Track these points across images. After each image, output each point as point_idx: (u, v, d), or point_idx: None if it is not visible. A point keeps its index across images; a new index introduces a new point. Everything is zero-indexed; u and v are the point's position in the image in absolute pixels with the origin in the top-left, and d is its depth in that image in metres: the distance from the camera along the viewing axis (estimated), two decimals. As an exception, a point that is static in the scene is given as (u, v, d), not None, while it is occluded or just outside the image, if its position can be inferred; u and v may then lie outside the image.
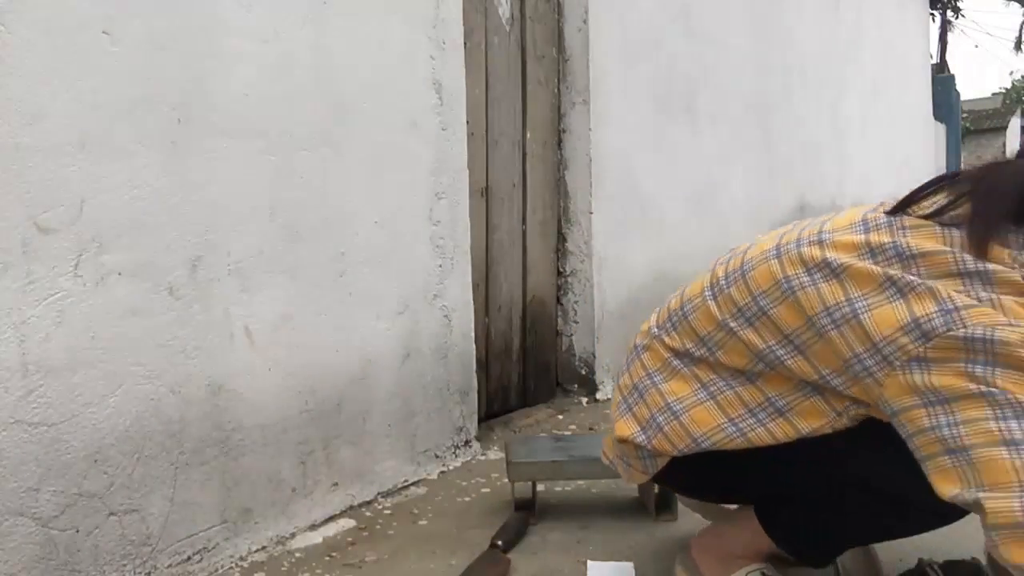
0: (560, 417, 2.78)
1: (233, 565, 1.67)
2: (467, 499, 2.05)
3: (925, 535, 1.73)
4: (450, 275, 2.27)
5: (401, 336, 2.11)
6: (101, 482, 1.45)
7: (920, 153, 7.83)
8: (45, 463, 1.37)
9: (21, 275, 1.34)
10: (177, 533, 1.58)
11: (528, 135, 2.80)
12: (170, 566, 1.57)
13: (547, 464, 1.87)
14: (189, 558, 1.60)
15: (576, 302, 3.02)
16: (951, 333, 0.99)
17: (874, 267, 1.07)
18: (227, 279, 1.66)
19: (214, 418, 1.64)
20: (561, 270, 3.04)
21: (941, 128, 11.73)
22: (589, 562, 1.64)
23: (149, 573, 1.53)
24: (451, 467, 2.26)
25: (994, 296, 0.99)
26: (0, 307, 1.31)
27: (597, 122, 3.02)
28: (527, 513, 1.86)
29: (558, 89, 2.99)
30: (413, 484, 2.14)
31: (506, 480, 1.92)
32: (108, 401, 1.46)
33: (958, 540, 1.67)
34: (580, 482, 2.10)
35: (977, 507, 0.99)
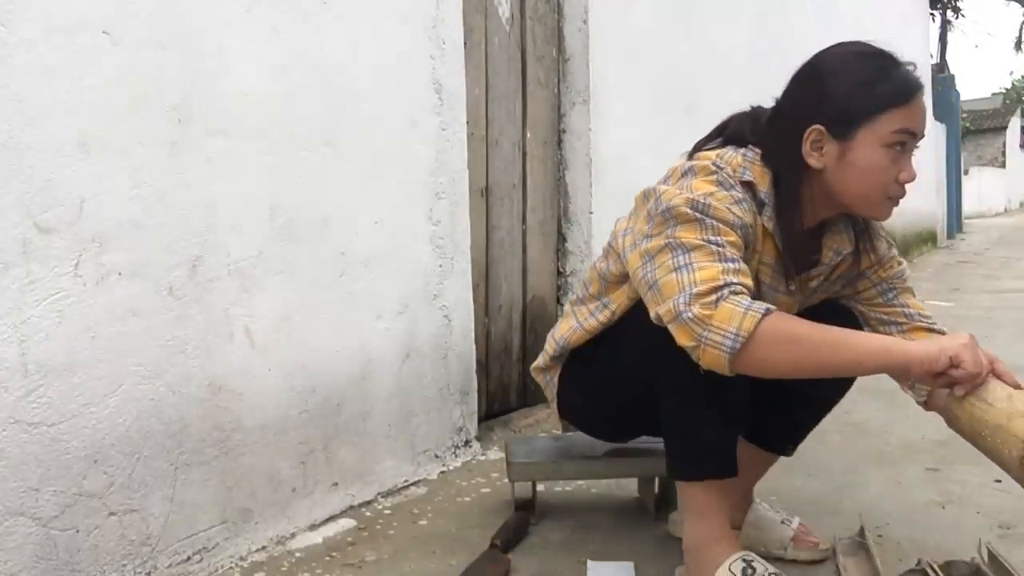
0: (560, 417, 2.78)
1: (233, 565, 1.67)
2: (467, 499, 2.05)
3: (925, 535, 1.73)
4: (450, 275, 2.27)
5: (401, 336, 2.11)
6: (101, 482, 1.45)
7: (919, 153, 7.82)
8: (45, 463, 1.37)
9: (21, 275, 1.34)
10: (177, 533, 1.58)
11: (528, 135, 2.80)
12: (170, 566, 1.57)
13: (547, 464, 1.87)
14: (189, 558, 1.60)
15: (576, 302, 3.01)
16: (658, 212, 1.37)
17: (644, 189, 1.47)
18: (227, 279, 1.66)
19: (214, 418, 1.64)
20: (561, 270, 3.04)
21: (941, 128, 11.72)
22: (589, 562, 1.64)
23: (149, 573, 1.54)
24: (451, 467, 2.26)
25: (693, 180, 1.39)
26: (0, 307, 1.31)
27: (597, 122, 3.01)
28: (527, 513, 1.86)
29: (558, 89, 2.99)
30: (413, 484, 2.14)
31: (506, 480, 1.92)
32: (108, 401, 1.46)
33: (958, 540, 1.67)
34: (580, 482, 2.11)
35: (660, 319, 1.31)
